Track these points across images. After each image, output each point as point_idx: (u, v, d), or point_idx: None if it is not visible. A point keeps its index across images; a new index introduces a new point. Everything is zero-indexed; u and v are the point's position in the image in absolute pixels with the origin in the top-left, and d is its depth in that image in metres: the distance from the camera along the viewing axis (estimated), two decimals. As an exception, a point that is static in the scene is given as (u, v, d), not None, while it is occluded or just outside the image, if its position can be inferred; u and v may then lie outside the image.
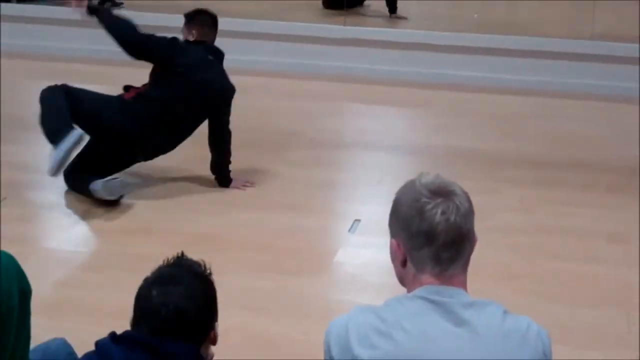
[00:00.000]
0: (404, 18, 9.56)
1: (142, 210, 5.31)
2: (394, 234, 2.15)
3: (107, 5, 9.80)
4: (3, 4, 9.48)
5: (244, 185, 5.69)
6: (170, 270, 2.29)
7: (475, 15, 10.10)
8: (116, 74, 7.58)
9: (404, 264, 2.13)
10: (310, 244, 4.94)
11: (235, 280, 4.28)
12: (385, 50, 8.40)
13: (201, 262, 2.36)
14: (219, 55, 5.73)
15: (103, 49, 8.47)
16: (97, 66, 8.33)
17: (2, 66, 8.30)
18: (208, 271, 2.35)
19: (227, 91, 5.62)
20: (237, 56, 8.38)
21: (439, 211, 2.05)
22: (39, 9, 9.34)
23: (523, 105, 7.66)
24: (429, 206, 2.06)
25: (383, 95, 7.92)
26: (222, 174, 5.68)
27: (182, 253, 2.37)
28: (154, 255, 4.55)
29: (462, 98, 7.84)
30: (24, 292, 2.40)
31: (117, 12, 9.13)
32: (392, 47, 8.41)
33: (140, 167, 5.81)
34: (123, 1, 9.95)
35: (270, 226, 5.13)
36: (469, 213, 2.09)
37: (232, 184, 5.69)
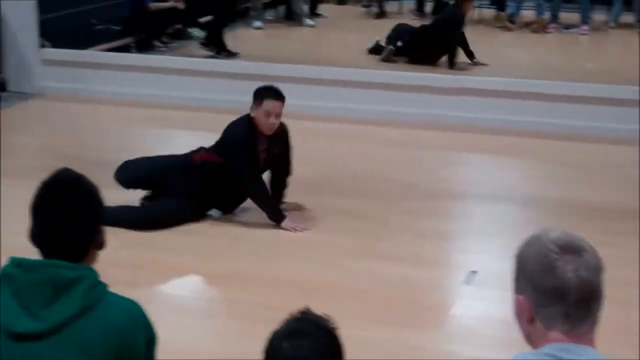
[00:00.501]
0: (485, 64, 9.61)
1: (252, 259, 5.35)
2: (519, 290, 2.10)
3: (222, 55, 10.06)
4: (119, 54, 9.81)
5: (293, 228, 5.74)
6: (298, 323, 2.29)
7: (589, 65, 10.00)
8: (209, 119, 7.81)
9: (531, 320, 2.09)
10: (425, 295, 4.90)
11: (353, 331, 4.25)
12: (493, 99, 8.35)
13: (325, 316, 2.35)
14: None
15: (199, 97, 8.78)
16: (192, 112, 8.48)
17: (108, 113, 8.56)
18: (333, 325, 2.35)
19: None
20: (343, 104, 8.53)
21: (570, 268, 2.01)
22: (144, 58, 9.64)
23: (636, 154, 7.50)
24: (559, 263, 2.02)
25: (492, 144, 7.86)
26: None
27: (308, 307, 2.37)
28: (269, 304, 4.65)
29: (572, 147, 7.73)
30: (150, 340, 2.45)
31: (232, 61, 9.43)
32: (501, 96, 8.35)
33: (244, 215, 5.88)
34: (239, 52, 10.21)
35: (383, 276, 5.11)
36: (599, 269, 2.05)
37: (284, 223, 5.77)
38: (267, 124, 5.75)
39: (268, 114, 5.73)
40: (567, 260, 2.02)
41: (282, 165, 6.05)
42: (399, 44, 10.14)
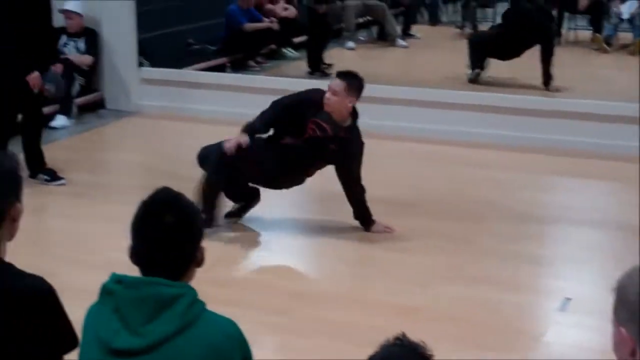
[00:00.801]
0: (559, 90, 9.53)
1: (345, 277, 5.38)
2: (621, 321, 2.06)
3: (317, 74, 10.17)
4: (215, 73, 9.98)
5: (384, 229, 6.00)
6: (395, 349, 2.29)
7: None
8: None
9: (633, 354, 2.04)
10: (517, 320, 4.86)
11: (446, 356, 4.23)
12: (587, 123, 8.22)
13: (421, 343, 2.35)
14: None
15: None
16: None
17: (203, 131, 8.67)
18: (429, 352, 2.34)
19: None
20: (434, 126, 8.50)
21: None
22: (240, 78, 9.78)
23: None
24: None
25: (586, 167, 7.75)
26: (360, 220, 6.04)
27: (404, 334, 2.36)
28: (359, 325, 4.66)
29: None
30: (246, 359, 2.48)
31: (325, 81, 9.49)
32: (599, 120, 8.23)
33: (334, 234, 5.91)
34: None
35: (475, 300, 5.08)
36: None
37: (374, 227, 5.98)
38: (325, 98, 5.93)
39: (328, 89, 5.97)
40: None
41: (339, 172, 6.04)
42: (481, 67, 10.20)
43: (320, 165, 6.10)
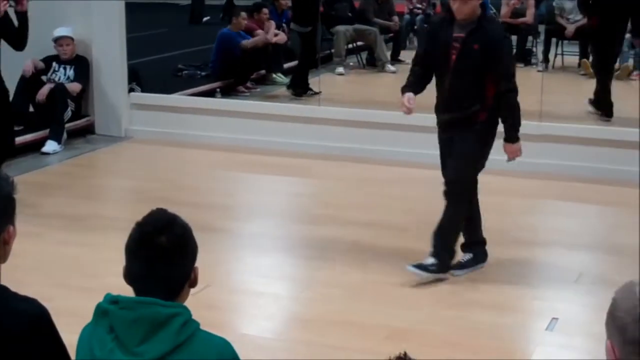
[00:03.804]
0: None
1: (340, 300, 5.40)
2: (609, 335, 2.11)
3: (306, 95, 10.23)
4: (205, 98, 10.02)
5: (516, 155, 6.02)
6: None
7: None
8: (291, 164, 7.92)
9: (616, 366, 2.09)
10: (506, 341, 4.89)
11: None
12: (580, 147, 8.28)
13: None
14: None
15: (282, 142, 8.89)
16: (276, 157, 8.62)
17: (194, 156, 8.73)
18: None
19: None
20: (435, 151, 8.51)
21: None
22: (230, 103, 9.83)
23: None
24: None
25: (577, 191, 7.79)
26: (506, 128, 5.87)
27: (405, 353, 2.38)
28: (350, 348, 4.68)
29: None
30: (239, 378, 2.51)
31: (314, 106, 9.51)
32: (588, 144, 8.28)
33: (328, 258, 5.94)
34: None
35: (465, 323, 5.11)
36: None
37: (511, 146, 5.95)
38: (456, 11, 5.55)
39: (453, 1, 5.53)
40: None
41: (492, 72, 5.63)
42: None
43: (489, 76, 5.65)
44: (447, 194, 5.79)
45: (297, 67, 11.23)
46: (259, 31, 11.82)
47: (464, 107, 5.66)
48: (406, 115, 6.00)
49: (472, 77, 5.57)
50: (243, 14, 11.69)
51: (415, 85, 5.93)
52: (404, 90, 5.95)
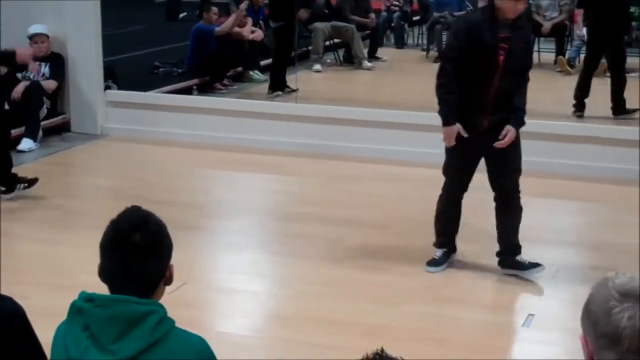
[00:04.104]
0: None
1: (321, 299, 5.40)
2: (583, 330, 2.13)
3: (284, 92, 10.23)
4: (182, 96, 10.00)
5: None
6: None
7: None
8: (268, 162, 7.98)
9: None
10: (483, 337, 4.91)
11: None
12: (556, 143, 8.32)
13: (399, 358, 2.36)
14: None
15: (259, 139, 8.89)
16: (253, 154, 8.61)
17: (170, 154, 8.71)
18: (408, 368, 2.36)
19: None
20: (413, 148, 8.56)
21: (626, 316, 2.01)
22: (206, 101, 9.81)
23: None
24: (616, 309, 2.02)
25: (554, 188, 7.82)
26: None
27: (382, 349, 2.38)
28: (325, 345, 4.69)
29: (634, 193, 7.65)
30: (215, 376, 2.51)
31: (291, 104, 9.50)
32: (564, 140, 8.32)
33: (305, 253, 5.94)
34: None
35: (441, 319, 5.13)
36: None
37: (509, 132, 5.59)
38: (516, 10, 5.42)
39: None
40: (625, 308, 2.02)
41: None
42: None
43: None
44: (511, 195, 5.80)
45: (272, 65, 11.21)
46: (236, 28, 11.81)
47: (510, 106, 5.61)
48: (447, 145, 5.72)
49: (518, 75, 5.57)
50: (214, 8, 11.68)
51: (455, 108, 5.59)
52: (450, 119, 5.59)
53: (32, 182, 7.20)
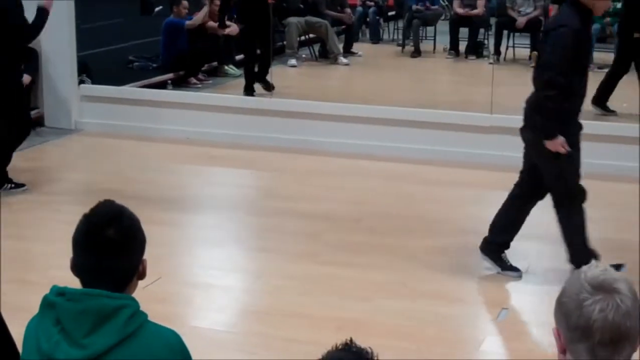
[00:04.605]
0: None
1: (295, 294, 5.40)
2: (556, 322, 2.14)
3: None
4: (156, 90, 9.95)
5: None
6: (340, 354, 2.33)
7: (625, 105, 9.98)
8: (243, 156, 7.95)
9: (563, 352, 2.12)
10: (456, 332, 4.93)
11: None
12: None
13: (369, 349, 2.38)
14: None
15: (234, 134, 8.88)
16: (228, 149, 8.59)
17: (145, 149, 8.68)
18: (376, 357, 2.38)
19: None
20: (387, 143, 8.58)
21: (597, 308, 2.03)
22: (181, 95, 9.78)
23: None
24: (588, 302, 2.04)
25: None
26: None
27: (351, 339, 2.40)
28: (300, 339, 4.69)
29: (606, 188, 7.70)
30: (188, 369, 2.51)
31: (267, 99, 9.48)
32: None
33: (277, 248, 5.94)
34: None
35: (415, 314, 5.14)
36: (631, 312, 2.04)
37: (551, 143, 5.33)
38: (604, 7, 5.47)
39: None
40: (596, 300, 2.04)
41: None
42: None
43: None
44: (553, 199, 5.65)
45: (244, 68, 11.01)
46: (210, 23, 11.77)
47: None
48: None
49: None
50: (184, 2, 11.63)
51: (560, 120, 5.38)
52: (556, 132, 5.35)
53: (19, 185, 7.31)
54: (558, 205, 5.58)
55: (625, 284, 2.08)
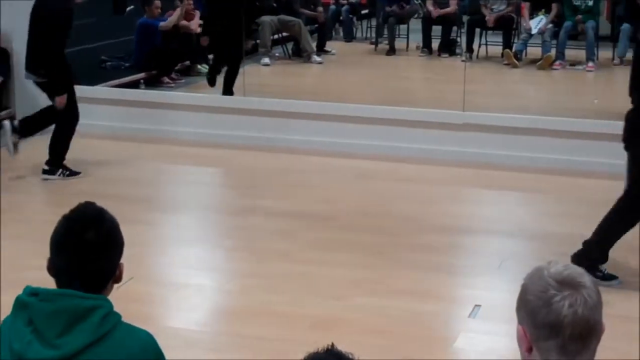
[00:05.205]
0: None
1: (268, 292, 5.40)
2: (520, 320, 2.15)
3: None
4: (129, 90, 9.91)
5: None
6: (321, 356, 2.32)
7: (595, 101, 10.06)
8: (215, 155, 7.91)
9: (529, 350, 2.14)
10: (430, 329, 4.94)
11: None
12: (502, 135, 8.40)
13: (350, 355, 2.37)
14: None
15: (207, 133, 8.86)
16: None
17: (118, 148, 8.65)
18: (357, 360, 2.37)
19: None
20: (360, 141, 8.60)
21: (567, 304, 2.04)
22: (153, 94, 9.74)
23: None
24: (556, 298, 2.05)
25: (500, 180, 7.89)
26: None
27: (332, 344, 2.39)
28: (273, 338, 4.69)
29: (578, 184, 7.76)
30: (161, 369, 2.50)
31: (240, 98, 9.46)
32: (510, 132, 8.40)
33: (252, 247, 5.94)
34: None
35: (388, 311, 5.15)
36: (597, 305, 2.07)
37: None
38: None
39: None
40: (565, 296, 2.06)
41: None
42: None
43: None
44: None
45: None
46: (183, 22, 11.74)
47: None
48: None
49: None
50: (156, 2, 11.59)
51: None
52: None
53: (73, 173, 7.75)
54: (619, 205, 5.52)
55: (588, 278, 2.10)
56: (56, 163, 7.78)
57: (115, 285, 2.59)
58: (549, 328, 2.05)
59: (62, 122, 7.81)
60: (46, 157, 7.80)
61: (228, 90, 9.90)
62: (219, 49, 10.34)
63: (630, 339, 4.73)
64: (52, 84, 7.72)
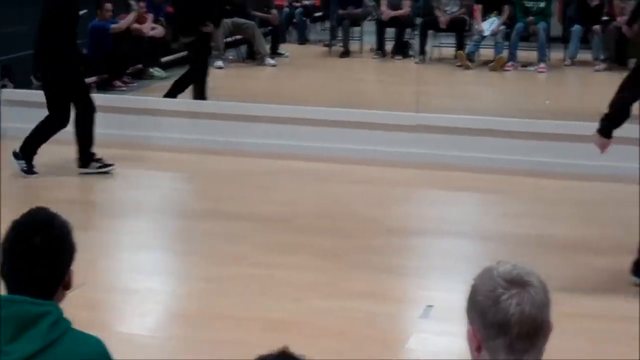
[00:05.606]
0: None
1: (221, 296, 5.37)
2: (471, 321, 2.16)
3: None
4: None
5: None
6: (273, 358, 2.30)
7: (547, 102, 10.14)
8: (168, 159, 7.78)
9: (479, 349, 2.15)
10: (384, 330, 4.95)
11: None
12: (456, 136, 8.45)
13: (303, 357, 2.35)
14: None
15: (161, 136, 8.81)
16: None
17: (68, 153, 8.55)
18: (309, 364, 2.36)
19: None
20: (315, 143, 8.59)
21: (514, 302, 2.06)
22: (105, 98, 9.66)
23: (599, 191, 7.60)
24: (504, 297, 2.07)
25: (455, 181, 7.94)
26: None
27: (286, 347, 2.37)
28: (229, 342, 4.67)
29: (536, 184, 7.82)
30: (111, 375, 2.48)
31: (194, 101, 9.39)
32: (463, 133, 8.45)
33: (208, 251, 5.91)
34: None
35: (341, 313, 5.15)
36: (545, 304, 2.09)
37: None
38: None
39: None
40: (512, 295, 2.07)
41: None
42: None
43: None
44: None
45: (185, 77, 10.64)
46: (136, 25, 11.68)
47: None
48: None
49: None
50: (108, 5, 11.51)
51: None
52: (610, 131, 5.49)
53: (107, 165, 7.86)
54: None
55: (535, 277, 2.12)
56: (27, 156, 7.84)
57: (66, 292, 2.57)
58: (497, 327, 2.07)
59: (49, 118, 7.87)
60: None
61: (173, 94, 9.80)
62: (195, 55, 10.13)
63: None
64: (48, 84, 7.80)
